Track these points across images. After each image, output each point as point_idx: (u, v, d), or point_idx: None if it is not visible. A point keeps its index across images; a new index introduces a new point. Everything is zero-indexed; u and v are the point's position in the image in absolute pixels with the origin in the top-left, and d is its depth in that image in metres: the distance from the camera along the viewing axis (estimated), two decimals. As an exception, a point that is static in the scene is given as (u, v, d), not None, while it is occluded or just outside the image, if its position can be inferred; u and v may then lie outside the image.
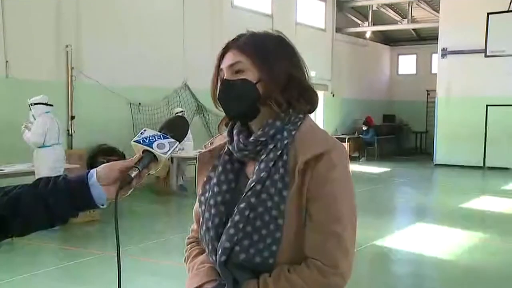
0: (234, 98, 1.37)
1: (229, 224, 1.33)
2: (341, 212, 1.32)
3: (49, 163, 6.78)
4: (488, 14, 13.50)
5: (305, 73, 1.42)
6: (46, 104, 6.94)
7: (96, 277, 5.18)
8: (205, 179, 1.45)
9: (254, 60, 1.36)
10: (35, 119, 6.85)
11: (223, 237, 1.33)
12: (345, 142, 15.35)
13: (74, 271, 5.46)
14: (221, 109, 1.41)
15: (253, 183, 1.32)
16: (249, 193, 1.32)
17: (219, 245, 1.34)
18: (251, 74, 1.36)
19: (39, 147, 6.82)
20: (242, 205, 1.32)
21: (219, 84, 1.40)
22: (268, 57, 1.37)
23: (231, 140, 1.42)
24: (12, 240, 5.49)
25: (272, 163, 1.33)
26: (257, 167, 1.36)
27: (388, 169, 14.85)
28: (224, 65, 1.39)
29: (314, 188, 1.31)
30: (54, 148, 6.93)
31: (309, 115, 1.43)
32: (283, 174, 1.31)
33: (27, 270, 5.28)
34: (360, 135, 17.37)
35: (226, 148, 1.44)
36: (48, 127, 6.81)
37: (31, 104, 6.88)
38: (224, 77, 1.38)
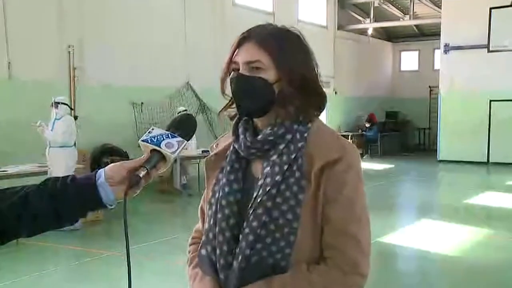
0: (250, 96, 1.32)
1: (247, 231, 1.30)
2: (358, 214, 1.32)
3: (69, 163, 6.83)
4: (491, 9, 13.47)
5: (318, 75, 1.39)
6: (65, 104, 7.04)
7: (101, 276, 5.15)
8: (214, 181, 1.42)
9: (275, 59, 1.31)
10: (56, 118, 6.87)
11: (243, 244, 1.30)
12: (348, 139, 15.31)
13: (79, 270, 5.46)
14: (228, 97, 1.39)
15: (268, 187, 1.29)
16: (265, 197, 1.29)
17: (238, 251, 1.30)
18: (270, 74, 1.31)
19: (58, 147, 6.81)
20: (259, 211, 1.29)
21: (231, 75, 1.35)
22: (289, 59, 1.32)
23: (236, 139, 1.39)
24: (18, 241, 5.49)
25: (286, 166, 1.30)
26: (268, 168, 1.32)
27: (392, 166, 14.83)
28: (242, 59, 1.32)
29: (330, 191, 1.29)
30: (73, 148, 7.02)
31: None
32: (299, 177, 1.29)
33: (32, 270, 5.30)
34: (364, 132, 17.34)
35: (232, 147, 1.41)
36: (73, 127, 6.96)
37: (58, 103, 6.90)
38: (240, 71, 1.32)
